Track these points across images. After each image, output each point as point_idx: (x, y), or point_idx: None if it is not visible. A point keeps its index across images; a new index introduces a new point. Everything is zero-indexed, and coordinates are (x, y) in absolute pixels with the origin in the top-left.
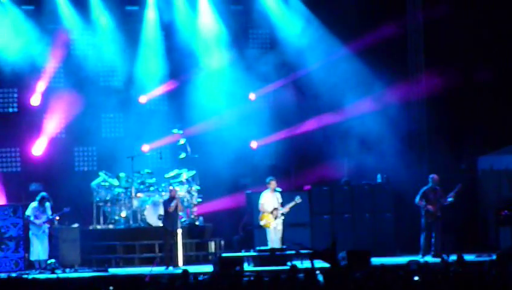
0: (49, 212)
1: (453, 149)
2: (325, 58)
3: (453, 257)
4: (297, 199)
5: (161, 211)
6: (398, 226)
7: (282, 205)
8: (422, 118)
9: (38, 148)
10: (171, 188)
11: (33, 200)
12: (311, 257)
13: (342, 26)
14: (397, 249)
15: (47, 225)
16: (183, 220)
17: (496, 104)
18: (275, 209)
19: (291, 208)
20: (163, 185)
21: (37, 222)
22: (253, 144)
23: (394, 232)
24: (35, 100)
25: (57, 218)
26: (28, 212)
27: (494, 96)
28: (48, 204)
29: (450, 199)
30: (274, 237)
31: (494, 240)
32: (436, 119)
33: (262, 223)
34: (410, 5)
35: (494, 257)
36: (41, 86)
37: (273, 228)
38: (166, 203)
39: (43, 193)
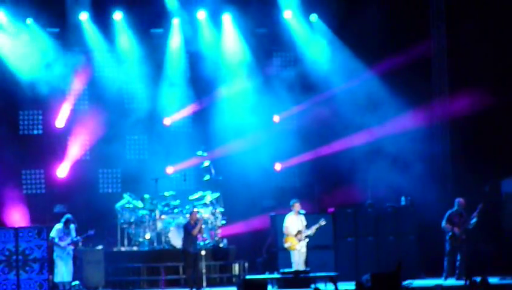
0: (74, 234)
1: (477, 172)
2: (349, 80)
3: (477, 279)
4: (322, 221)
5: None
6: (421, 249)
7: (307, 227)
8: (446, 140)
9: (63, 170)
10: (194, 210)
11: (58, 221)
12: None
13: (366, 48)
14: (421, 272)
15: (71, 247)
16: (207, 242)
17: None
18: (299, 232)
19: (316, 231)
20: (187, 207)
21: (62, 244)
22: (277, 166)
23: (418, 255)
24: (59, 122)
25: (82, 240)
26: (53, 234)
27: None
28: (72, 226)
29: (473, 220)
30: (298, 260)
31: None
32: (460, 142)
33: (286, 245)
34: (434, 26)
35: None
36: (65, 108)
37: (297, 251)
38: (188, 226)
39: (68, 215)
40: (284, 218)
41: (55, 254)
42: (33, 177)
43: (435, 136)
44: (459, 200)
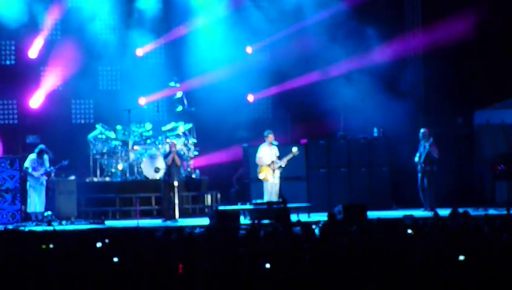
0: (47, 164)
1: (450, 104)
2: (322, 11)
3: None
4: (295, 150)
5: (159, 164)
6: (394, 181)
7: (279, 158)
8: (419, 73)
9: (36, 101)
10: (168, 141)
11: (30, 152)
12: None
13: None
14: (393, 203)
15: (45, 177)
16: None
17: (492, 58)
18: (273, 162)
19: (288, 161)
20: (160, 138)
21: (35, 174)
22: (250, 98)
23: (390, 186)
24: (32, 53)
25: (55, 171)
26: (27, 164)
27: (490, 50)
28: (46, 156)
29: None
30: (271, 190)
31: (490, 195)
32: (433, 74)
33: (261, 176)
34: None
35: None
36: (38, 39)
37: (271, 182)
38: (166, 157)
39: (42, 146)
40: (257, 149)
41: (28, 184)
42: (5, 107)
43: (408, 67)
44: (421, 131)
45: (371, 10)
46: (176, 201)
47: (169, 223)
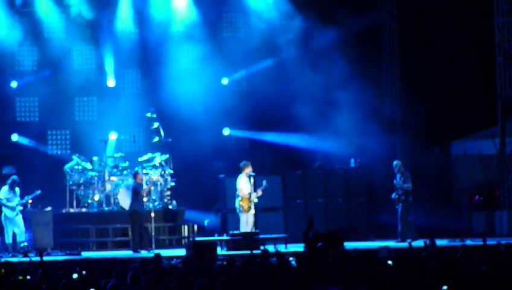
0: (18, 195)
1: (427, 134)
2: (300, 43)
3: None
4: (264, 184)
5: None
6: (371, 211)
7: (254, 189)
8: (396, 104)
9: (14, 134)
10: (139, 171)
11: (6, 183)
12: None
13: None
14: (370, 234)
15: (20, 208)
16: (156, 203)
17: (469, 90)
18: (250, 194)
19: (262, 193)
20: (136, 168)
21: (10, 204)
22: (226, 132)
23: (367, 217)
24: (8, 83)
25: (30, 201)
26: (0, 195)
27: (467, 83)
28: (17, 189)
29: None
30: (247, 222)
31: (467, 225)
32: (410, 105)
33: (243, 207)
34: None
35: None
36: (14, 68)
37: (251, 213)
38: (137, 187)
39: (14, 177)
40: (234, 180)
41: (3, 216)
42: None
43: (385, 98)
44: (394, 163)
45: (349, 39)
46: (153, 232)
47: (142, 254)
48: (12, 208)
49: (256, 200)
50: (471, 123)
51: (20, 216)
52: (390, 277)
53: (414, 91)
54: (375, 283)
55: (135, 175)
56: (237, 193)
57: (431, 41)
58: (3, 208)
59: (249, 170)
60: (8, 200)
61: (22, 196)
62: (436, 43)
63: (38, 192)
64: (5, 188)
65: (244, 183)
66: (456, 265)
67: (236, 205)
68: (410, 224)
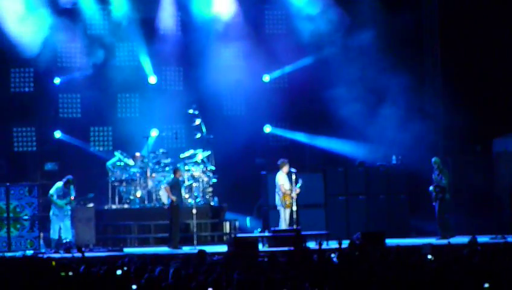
0: (73, 194)
1: (469, 131)
2: (342, 41)
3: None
4: (300, 182)
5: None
6: (412, 208)
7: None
8: (438, 102)
9: (57, 130)
10: (179, 168)
11: (49, 179)
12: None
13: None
14: (412, 231)
15: (69, 207)
16: (198, 200)
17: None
18: (290, 189)
19: (299, 191)
20: (178, 165)
21: (59, 202)
22: (267, 129)
23: (409, 214)
24: (51, 79)
25: (72, 197)
26: (52, 191)
27: (510, 80)
28: (72, 187)
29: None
30: (288, 218)
31: (509, 222)
32: (452, 103)
33: (286, 203)
34: None
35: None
36: (57, 65)
37: (290, 209)
38: (180, 182)
39: (70, 176)
40: (275, 177)
41: (51, 212)
42: (24, 134)
43: (427, 95)
44: (432, 160)
45: (390, 37)
46: (195, 229)
47: (183, 250)
48: (60, 207)
49: (295, 196)
50: None
51: (68, 214)
52: (432, 273)
53: (456, 89)
54: (417, 280)
55: (175, 171)
56: (277, 189)
57: (473, 39)
58: (52, 204)
59: (286, 167)
60: (58, 197)
61: (77, 194)
62: (478, 41)
63: (91, 195)
64: (59, 184)
65: (283, 180)
66: (498, 262)
67: (277, 202)
68: (449, 221)
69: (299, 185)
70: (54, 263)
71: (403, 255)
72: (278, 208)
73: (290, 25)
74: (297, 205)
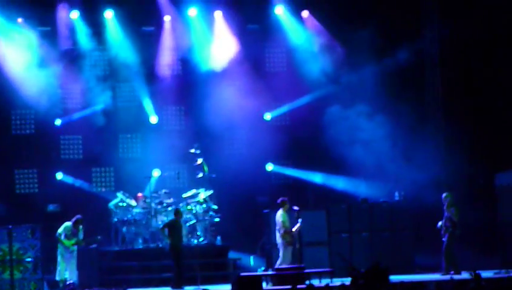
0: (81, 235)
1: (471, 165)
2: (342, 78)
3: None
4: (299, 222)
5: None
6: (416, 244)
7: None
8: (440, 135)
9: (59, 172)
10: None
11: (51, 221)
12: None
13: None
14: (416, 267)
15: (76, 247)
16: (201, 239)
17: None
18: (290, 227)
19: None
20: (181, 205)
21: (66, 243)
22: (269, 167)
23: (413, 250)
24: (52, 121)
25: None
26: (60, 230)
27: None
28: (81, 227)
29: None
30: (290, 255)
31: None
32: (454, 136)
33: (287, 241)
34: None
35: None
36: (58, 107)
37: (291, 247)
38: (178, 222)
39: (79, 216)
40: (279, 214)
41: (58, 251)
42: (26, 176)
43: (429, 130)
44: (443, 195)
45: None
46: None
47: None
48: (67, 247)
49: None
50: None
51: (75, 255)
52: None
53: (458, 123)
54: None
55: (175, 212)
56: (277, 227)
57: (474, 73)
58: (59, 244)
59: (287, 206)
60: (67, 237)
61: (84, 236)
62: (479, 74)
63: (99, 237)
64: (67, 224)
65: (285, 217)
66: None
67: (278, 240)
68: (455, 257)
69: (298, 225)
70: None
71: None
72: (278, 246)
73: (290, 62)
74: (300, 242)
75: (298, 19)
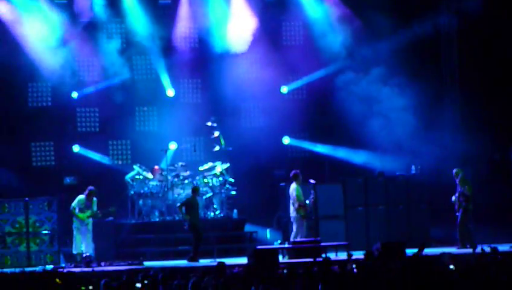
0: (95, 207)
1: (487, 140)
2: (359, 52)
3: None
4: (312, 194)
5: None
6: (432, 218)
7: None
8: (456, 109)
9: (75, 145)
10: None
11: (67, 193)
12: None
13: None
14: (432, 241)
15: (91, 220)
16: (218, 212)
17: None
18: (304, 201)
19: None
20: (197, 177)
21: (80, 216)
22: (286, 140)
23: (429, 223)
24: (69, 94)
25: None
26: (74, 204)
27: None
28: (95, 199)
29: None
30: (305, 229)
31: None
32: (470, 111)
33: (302, 214)
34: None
35: None
36: (75, 79)
37: (306, 219)
38: (196, 198)
39: (91, 187)
40: (294, 188)
41: (74, 225)
42: (42, 149)
43: (446, 105)
44: (453, 171)
45: (407, 47)
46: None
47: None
48: (82, 220)
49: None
50: None
51: (90, 228)
52: (452, 283)
53: (474, 98)
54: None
55: (194, 190)
56: (291, 201)
57: (491, 47)
58: (74, 218)
59: (299, 179)
60: (81, 210)
61: (98, 208)
62: (495, 49)
63: (113, 209)
64: (81, 197)
65: (300, 190)
66: None
67: (292, 213)
68: (470, 231)
69: (311, 197)
70: (58, 280)
71: (423, 265)
72: (292, 219)
73: (307, 36)
74: (316, 215)
75: None
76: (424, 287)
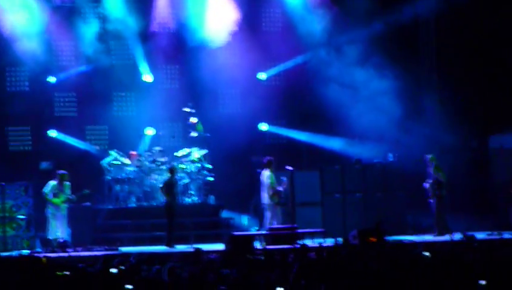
0: (69, 191)
1: (465, 128)
2: (338, 40)
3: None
4: (284, 180)
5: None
6: (409, 205)
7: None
8: (434, 98)
9: (50, 126)
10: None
11: (44, 178)
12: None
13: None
14: (409, 228)
15: (66, 205)
16: (195, 198)
17: (508, 84)
18: (277, 188)
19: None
20: (174, 163)
21: (55, 200)
22: (263, 127)
23: (405, 211)
24: (47, 78)
25: (76, 199)
26: (46, 189)
27: (506, 76)
28: (67, 183)
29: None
30: (281, 216)
31: (504, 219)
32: (448, 99)
33: (275, 201)
34: None
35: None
36: (52, 64)
37: (281, 207)
38: (174, 181)
39: (62, 171)
40: (267, 175)
41: (48, 211)
42: (19, 134)
43: (423, 93)
44: (427, 156)
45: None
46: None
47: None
48: (57, 206)
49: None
50: (510, 117)
51: (65, 212)
52: (427, 270)
53: (452, 85)
54: (413, 276)
55: (171, 170)
56: (264, 187)
57: (468, 35)
58: (48, 203)
59: (272, 166)
60: (54, 195)
61: (72, 192)
62: (473, 37)
63: (87, 191)
64: (53, 182)
65: (272, 178)
66: (494, 259)
67: (265, 200)
68: (445, 218)
69: (283, 183)
70: (44, 259)
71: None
72: (265, 206)
73: (286, 22)
74: (292, 202)
75: None
76: (400, 275)
